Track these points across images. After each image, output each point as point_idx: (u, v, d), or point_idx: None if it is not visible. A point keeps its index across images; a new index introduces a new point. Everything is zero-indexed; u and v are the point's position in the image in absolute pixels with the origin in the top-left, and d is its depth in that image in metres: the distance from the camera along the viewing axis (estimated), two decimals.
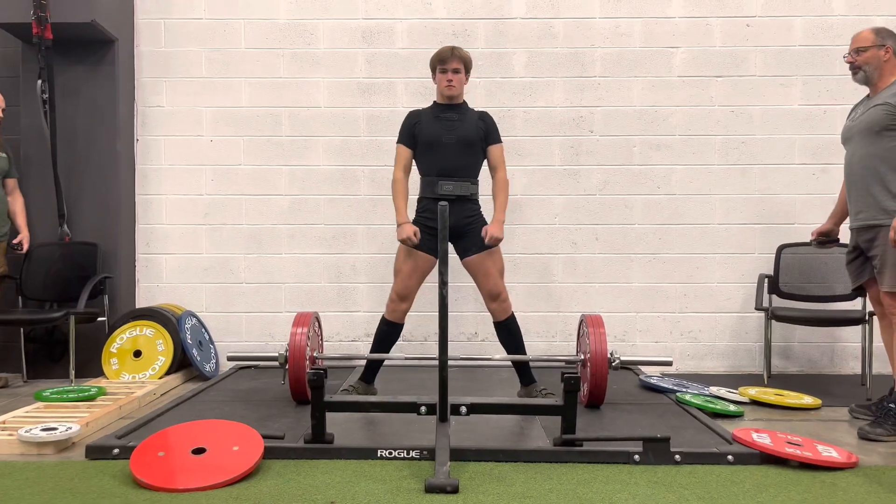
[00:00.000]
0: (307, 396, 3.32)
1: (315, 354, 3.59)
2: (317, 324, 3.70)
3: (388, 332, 3.56)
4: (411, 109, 3.63)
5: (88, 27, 4.12)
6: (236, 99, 4.63)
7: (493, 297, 3.49)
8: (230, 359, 3.62)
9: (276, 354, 3.44)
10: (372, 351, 3.58)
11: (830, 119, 4.46)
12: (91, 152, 4.40)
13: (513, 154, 4.57)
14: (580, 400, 3.40)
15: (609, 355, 3.30)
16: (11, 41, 4.35)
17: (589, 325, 3.37)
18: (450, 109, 3.52)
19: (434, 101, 3.59)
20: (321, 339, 3.83)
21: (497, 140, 3.55)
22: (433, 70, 3.52)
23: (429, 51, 4.55)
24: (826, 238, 3.57)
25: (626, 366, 3.54)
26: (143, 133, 4.64)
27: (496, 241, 3.41)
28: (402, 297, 3.51)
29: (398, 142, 3.56)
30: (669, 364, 3.51)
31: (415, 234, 3.38)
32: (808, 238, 3.72)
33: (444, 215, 2.63)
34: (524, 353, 3.55)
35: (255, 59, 4.62)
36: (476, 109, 3.59)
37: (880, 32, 3.19)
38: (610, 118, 4.57)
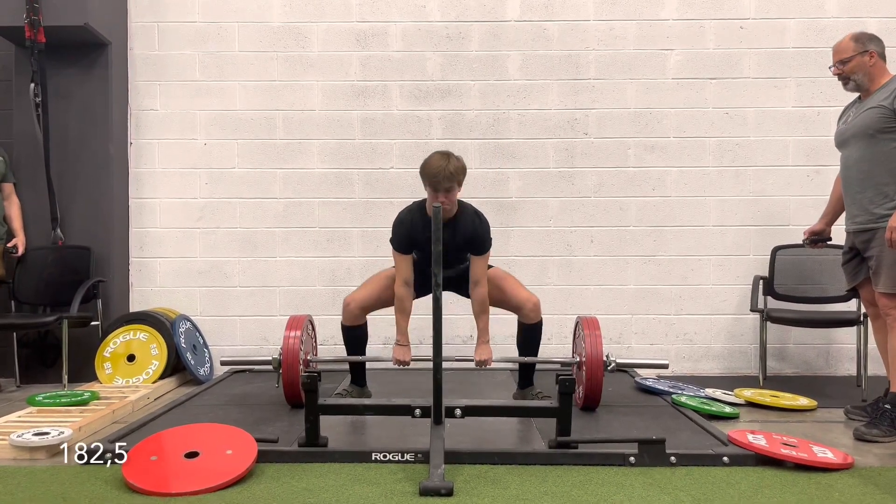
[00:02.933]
0: (301, 400, 3.31)
1: (309, 358, 3.57)
2: (311, 327, 3.69)
3: (356, 337, 3.53)
4: (400, 213, 3.39)
5: (81, 30, 4.11)
6: (230, 102, 4.62)
7: (518, 308, 3.46)
8: (224, 363, 3.62)
9: (270, 358, 3.43)
10: (348, 356, 3.57)
11: (824, 120, 4.46)
12: (84, 156, 4.38)
13: (508, 157, 4.58)
14: (575, 402, 3.39)
15: (605, 358, 3.29)
16: (4, 45, 4.33)
17: (585, 327, 3.36)
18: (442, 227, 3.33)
19: (424, 209, 3.32)
20: (315, 343, 3.81)
21: (482, 251, 3.32)
22: (423, 182, 3.21)
23: (423, 54, 4.58)
24: (818, 237, 3.59)
25: (622, 368, 3.53)
26: (137, 136, 4.63)
27: (486, 366, 3.37)
28: (365, 308, 3.49)
29: (395, 249, 3.35)
30: (665, 367, 3.51)
31: (410, 361, 3.37)
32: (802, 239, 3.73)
33: (437, 216, 2.62)
34: (536, 356, 3.53)
35: (249, 63, 4.61)
36: (470, 211, 3.36)
37: (860, 38, 3.18)
38: (604, 120, 4.58)
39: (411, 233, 3.31)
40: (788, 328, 4.44)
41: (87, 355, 4.18)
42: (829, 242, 3.62)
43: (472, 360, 3.39)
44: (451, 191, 3.17)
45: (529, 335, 3.49)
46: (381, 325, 4.29)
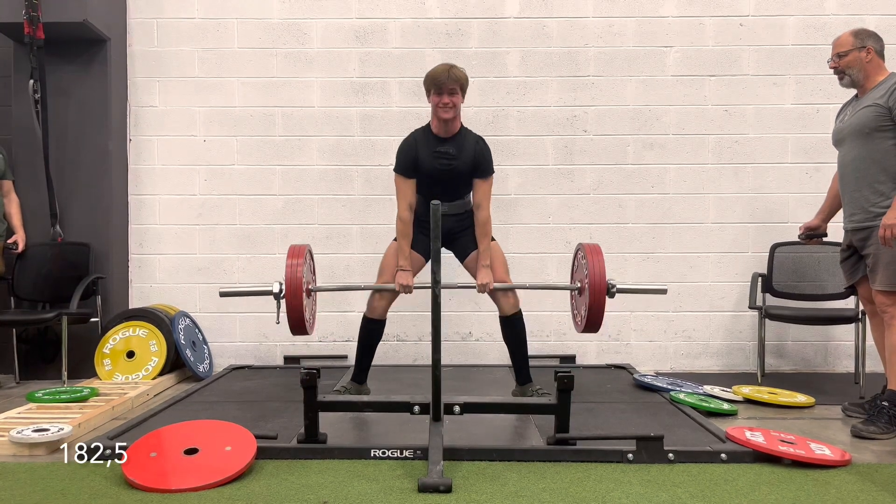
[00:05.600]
0: (305, 329, 3.29)
1: (310, 287, 3.50)
2: (310, 257, 3.59)
3: (372, 330, 3.54)
4: (405, 137, 3.45)
5: (80, 27, 4.11)
6: (229, 99, 4.61)
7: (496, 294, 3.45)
8: (223, 294, 3.45)
9: (271, 289, 3.30)
10: (358, 350, 3.57)
11: (823, 118, 4.46)
12: (83, 152, 4.38)
13: (507, 154, 4.57)
14: (575, 327, 3.41)
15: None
16: (3, 41, 4.33)
17: (588, 254, 3.27)
18: (446, 143, 3.36)
19: (429, 128, 3.42)
20: (315, 275, 3.72)
21: (486, 174, 3.39)
22: (427, 91, 3.34)
23: (422, 50, 4.59)
24: (813, 233, 3.59)
25: (622, 292, 3.35)
26: (136, 133, 4.63)
27: (487, 289, 3.37)
28: (385, 294, 3.48)
29: (398, 172, 3.39)
30: (664, 292, 3.47)
31: (413, 287, 3.37)
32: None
33: (436, 215, 2.62)
34: (526, 352, 3.52)
35: (249, 59, 4.61)
36: (472, 134, 3.46)
37: (859, 34, 3.19)
38: (603, 117, 4.58)
39: (417, 151, 3.37)
40: (787, 325, 4.45)
41: (86, 352, 4.18)
42: (824, 239, 3.62)
43: (473, 287, 3.37)
44: (454, 93, 3.26)
45: (513, 327, 3.47)
46: (388, 323, 4.28)
